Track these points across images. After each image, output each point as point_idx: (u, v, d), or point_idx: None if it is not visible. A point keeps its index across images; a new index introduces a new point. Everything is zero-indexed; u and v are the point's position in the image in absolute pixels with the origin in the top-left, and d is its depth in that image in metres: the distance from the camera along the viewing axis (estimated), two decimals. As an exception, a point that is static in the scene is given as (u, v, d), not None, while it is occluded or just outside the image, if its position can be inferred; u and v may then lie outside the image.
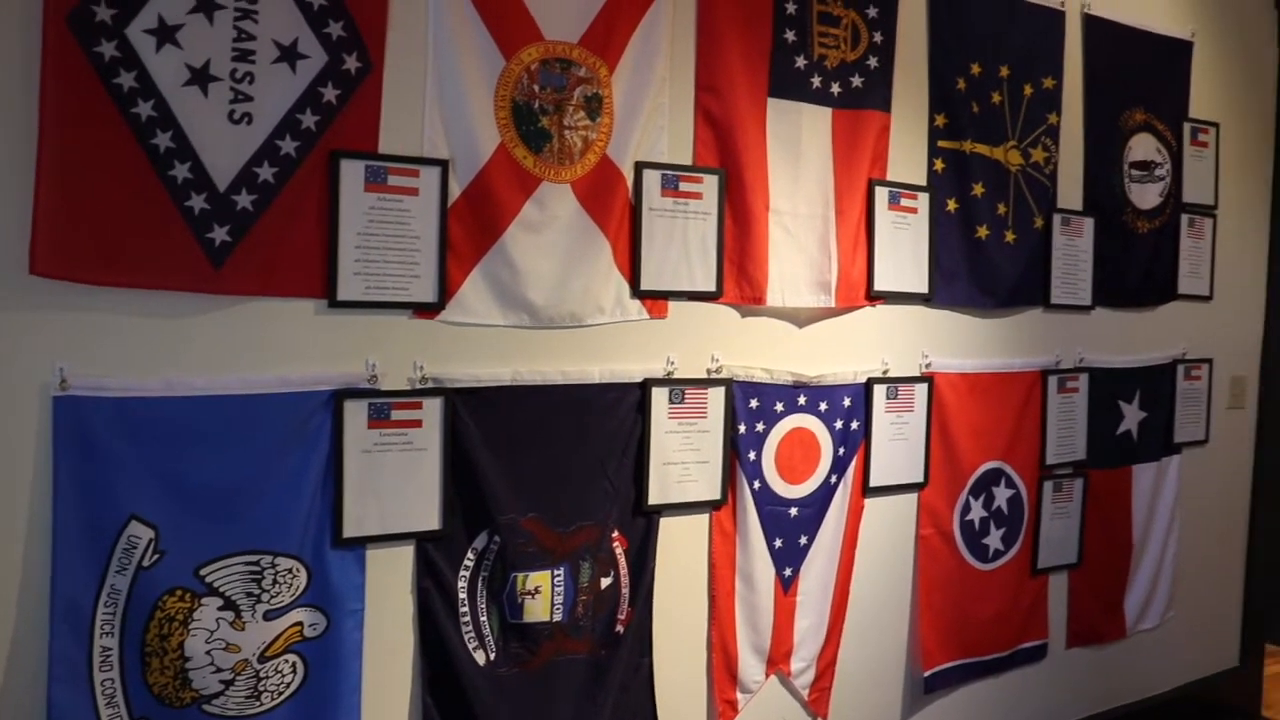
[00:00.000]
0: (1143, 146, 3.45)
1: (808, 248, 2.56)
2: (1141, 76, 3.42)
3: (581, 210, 2.24)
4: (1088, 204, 3.27)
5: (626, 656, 2.36)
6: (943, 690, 3.03)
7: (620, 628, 2.34)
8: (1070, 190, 3.23)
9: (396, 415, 2.06)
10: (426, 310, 2.09)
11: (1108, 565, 3.50)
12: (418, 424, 2.08)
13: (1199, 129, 3.63)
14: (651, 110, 2.34)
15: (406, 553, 2.10)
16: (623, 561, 2.34)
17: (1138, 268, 3.48)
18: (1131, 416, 3.48)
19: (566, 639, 2.26)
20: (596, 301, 2.27)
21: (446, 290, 2.10)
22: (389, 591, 2.08)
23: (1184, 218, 3.63)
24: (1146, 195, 3.48)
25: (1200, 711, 3.88)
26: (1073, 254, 3.23)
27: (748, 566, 2.54)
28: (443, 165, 2.08)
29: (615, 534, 2.33)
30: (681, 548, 2.45)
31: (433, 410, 2.10)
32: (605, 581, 2.31)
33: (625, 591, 2.34)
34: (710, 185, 2.40)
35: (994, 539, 3.08)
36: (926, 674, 2.95)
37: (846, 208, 2.62)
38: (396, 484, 2.06)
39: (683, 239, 2.37)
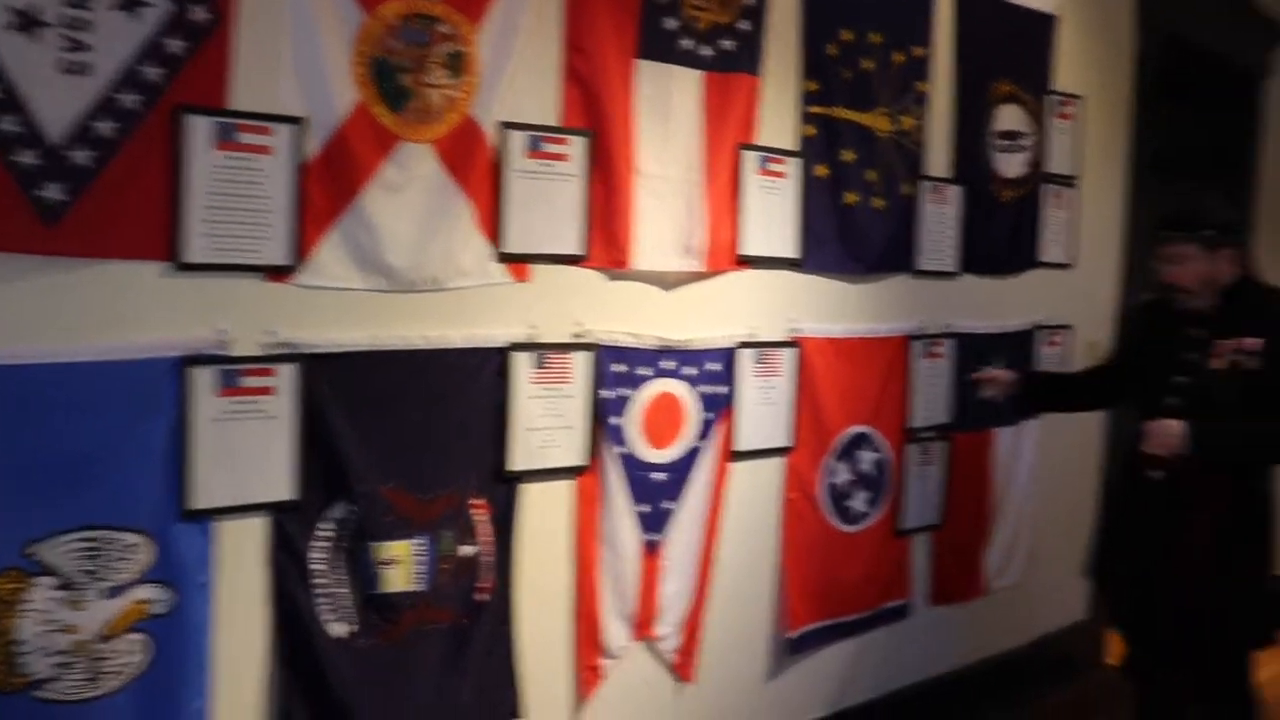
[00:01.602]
0: (1009, 117, 3.65)
1: (675, 211, 2.65)
2: (1009, 48, 3.60)
3: (443, 171, 2.27)
4: (955, 172, 3.45)
5: (489, 624, 2.44)
6: (809, 650, 3.21)
7: (483, 596, 2.42)
8: (938, 158, 3.40)
9: (248, 382, 2.07)
10: (280, 273, 2.10)
11: (969, 526, 3.73)
12: (270, 391, 2.10)
13: (1063, 101, 3.85)
14: (517, 69, 2.38)
15: (259, 524, 2.12)
16: (485, 529, 2.41)
17: (1002, 236, 3.70)
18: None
19: (428, 609, 2.32)
20: (458, 264, 2.31)
21: (301, 252, 2.11)
22: (241, 565, 2.10)
23: (1047, 187, 3.85)
24: (1012, 165, 3.68)
25: (1051, 663, 4.19)
26: (940, 221, 3.41)
27: (612, 532, 2.64)
28: (297, 123, 2.08)
29: (477, 501, 2.39)
30: (545, 514, 2.53)
31: (287, 377, 2.11)
32: (467, 549, 2.38)
33: (488, 559, 2.41)
34: (577, 147, 2.46)
35: (859, 502, 3.26)
36: (792, 635, 3.12)
37: (715, 172, 2.71)
38: (248, 454, 2.08)
39: (547, 201, 2.42)
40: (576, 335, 2.51)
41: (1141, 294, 4.02)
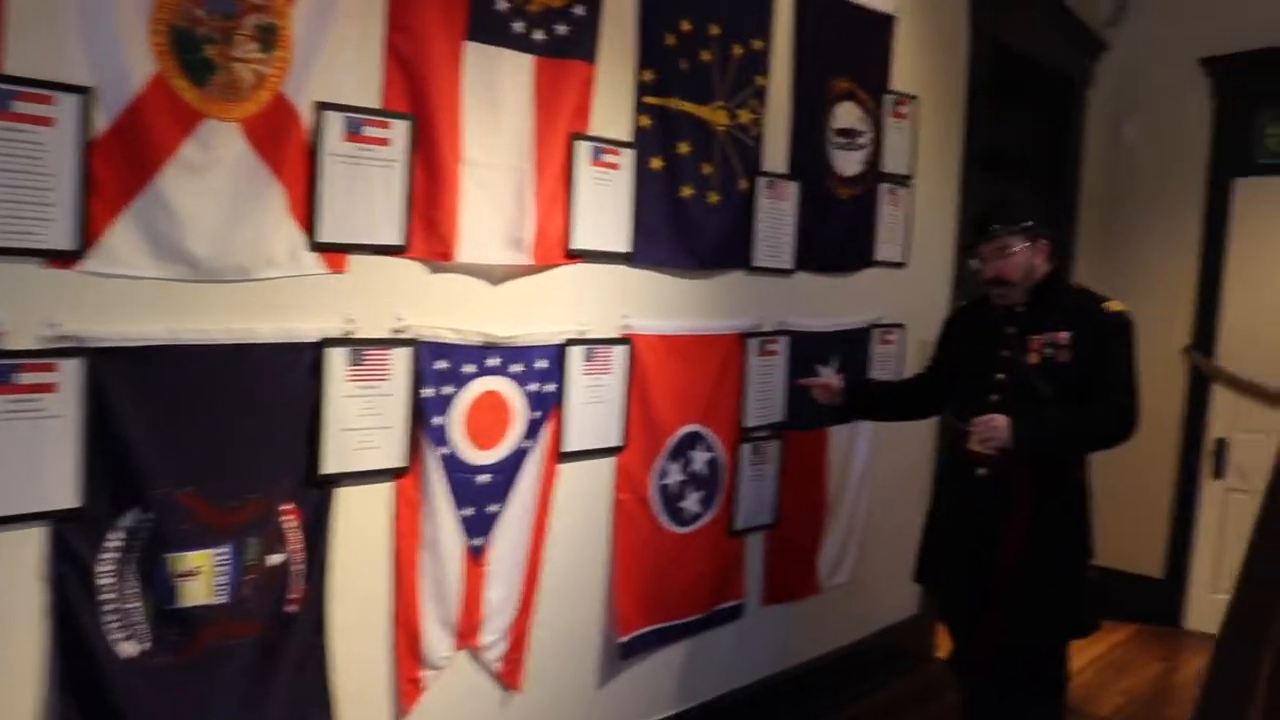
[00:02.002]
0: (846, 114, 3.75)
1: (503, 201, 2.61)
2: (847, 46, 3.71)
3: (252, 152, 2.18)
4: (792, 168, 3.53)
5: (300, 637, 2.36)
6: (641, 655, 3.23)
7: (293, 607, 2.34)
8: (776, 154, 3.47)
9: (24, 379, 1.94)
10: (63, 259, 1.97)
11: (803, 525, 3.83)
12: (51, 388, 1.97)
13: (899, 101, 3.99)
14: (336, 47, 2.30)
15: (37, 535, 1.98)
16: (295, 536, 2.33)
17: (839, 234, 3.80)
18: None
19: (231, 622, 2.23)
20: (267, 253, 2.22)
21: (89, 237, 1.99)
22: (14, 582, 1.96)
23: (883, 186, 3.99)
24: (849, 163, 3.80)
25: (884, 657, 4.36)
26: (776, 217, 3.48)
27: (434, 536, 2.59)
28: (84, 93, 1.96)
29: (287, 506, 2.31)
30: (362, 519, 2.47)
31: (70, 373, 1.98)
32: (275, 558, 2.29)
33: (298, 568, 2.34)
34: (399, 131, 2.40)
35: (691, 502, 3.30)
36: (623, 640, 3.14)
37: (546, 161, 2.69)
38: (24, 458, 1.94)
39: (366, 188, 2.36)
40: (396, 330, 2.45)
41: (958, 302, 4.22)
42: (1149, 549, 5.28)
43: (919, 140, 4.15)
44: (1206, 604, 5.18)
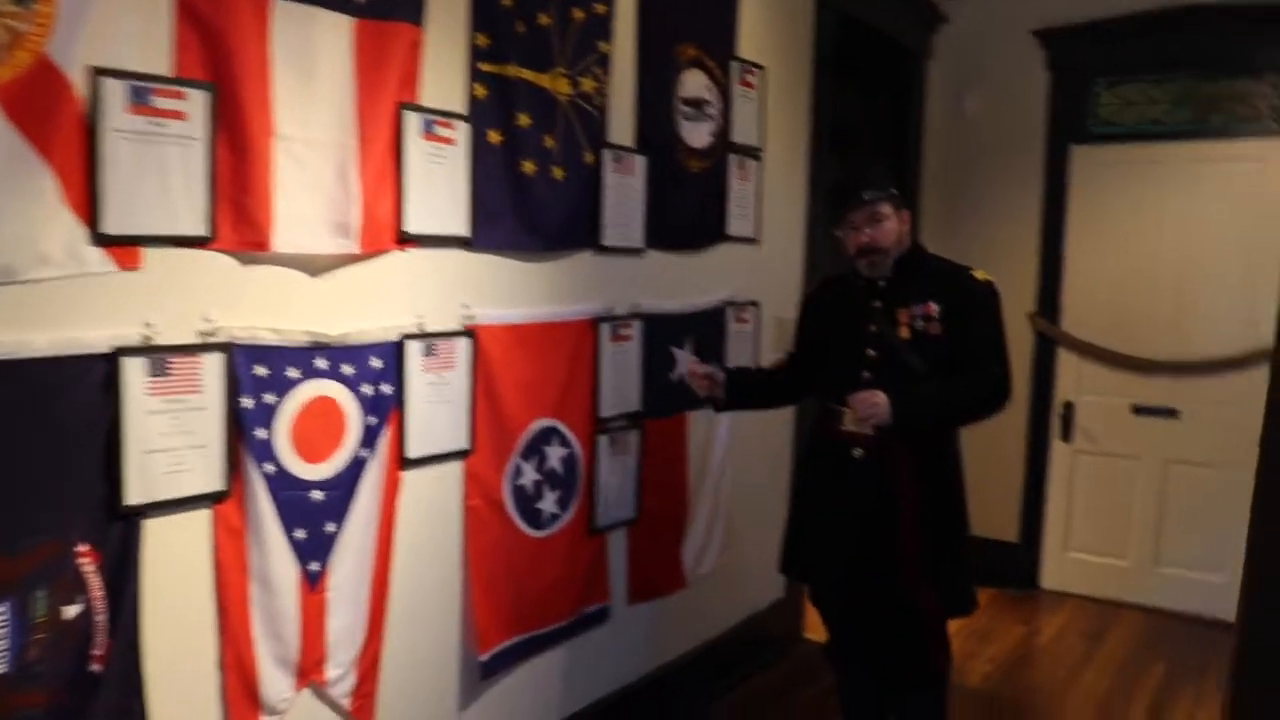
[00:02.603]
0: (694, 83, 3.59)
1: (324, 182, 2.33)
2: (693, 9, 3.54)
3: (10, 127, 1.84)
4: (639, 140, 3.34)
5: (108, 699, 2.04)
6: (503, 671, 3.01)
7: (97, 665, 2.01)
8: (621, 125, 3.28)
9: None
10: None
11: (665, 516, 3.68)
12: None
13: (747, 70, 3.85)
14: (114, 1, 1.97)
15: None
16: (96, 581, 2.00)
17: (690, 209, 3.64)
18: (685, 363, 3.65)
19: (14, 693, 1.89)
20: (39, 250, 1.89)
21: None
22: None
23: (732, 158, 3.85)
24: (698, 134, 3.63)
25: (754, 644, 4.26)
26: (625, 193, 3.29)
27: (264, 566, 2.31)
28: None
29: (83, 548, 1.98)
30: (177, 554, 2.16)
31: None
32: (71, 610, 1.97)
33: (101, 619, 2.02)
34: (197, 102, 2.09)
35: (549, 502, 3.09)
36: (483, 658, 2.91)
37: (371, 136, 2.42)
38: None
39: (160, 170, 2.04)
40: (205, 334, 2.15)
41: (812, 278, 4.13)
42: (1004, 513, 5.37)
43: (767, 112, 4.02)
44: (1059, 563, 5.31)
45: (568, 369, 3.12)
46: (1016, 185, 5.30)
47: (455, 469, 2.80)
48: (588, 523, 3.28)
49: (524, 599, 3.04)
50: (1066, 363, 5.22)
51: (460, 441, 2.78)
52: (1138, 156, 5.03)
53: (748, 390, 3.25)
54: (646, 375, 3.45)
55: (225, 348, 2.18)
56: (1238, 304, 4.81)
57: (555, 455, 3.11)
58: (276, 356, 2.29)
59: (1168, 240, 4.95)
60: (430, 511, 2.75)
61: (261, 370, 2.26)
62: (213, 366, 2.16)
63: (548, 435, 3.07)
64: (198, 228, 2.11)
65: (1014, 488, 5.39)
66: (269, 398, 2.28)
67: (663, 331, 3.53)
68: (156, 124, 2.03)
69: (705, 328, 3.77)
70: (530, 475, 3.02)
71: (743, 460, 4.06)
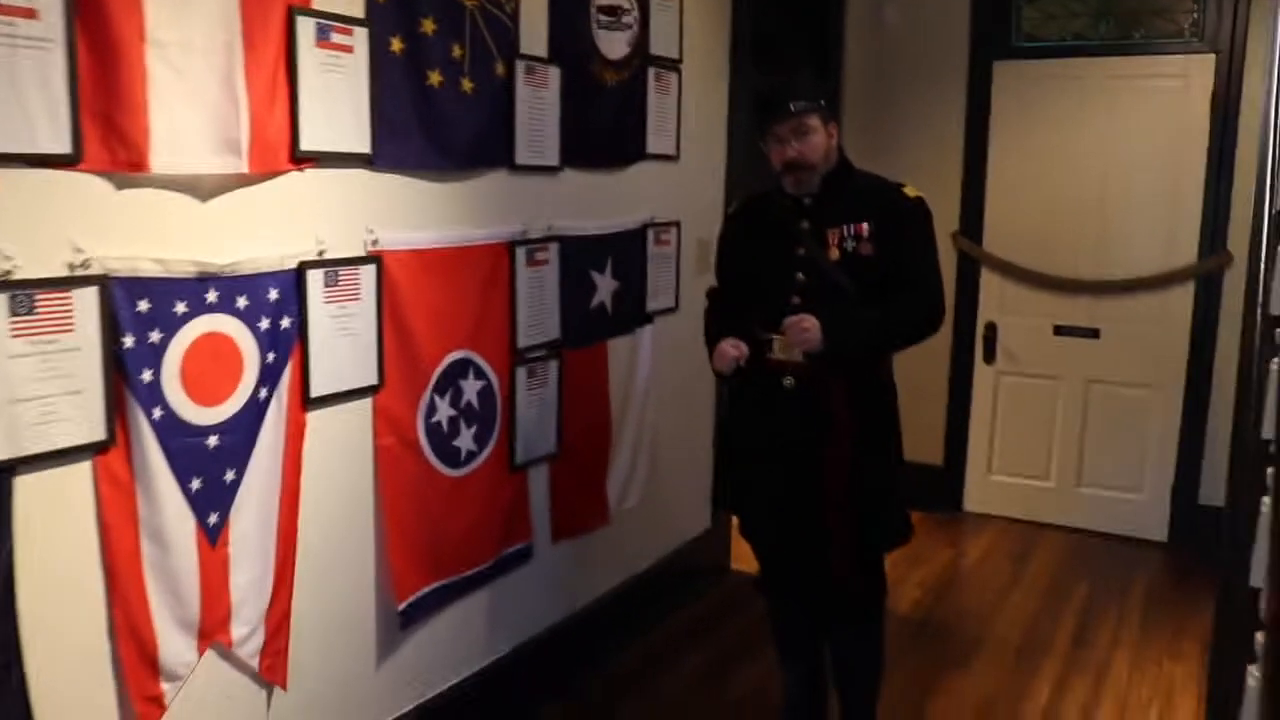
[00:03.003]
0: (608, -13, 3.39)
1: (208, 93, 2.10)
2: (605, -93, 3.33)
3: None
4: (553, 51, 3.15)
5: (-19, 672, 1.86)
6: (423, 619, 2.88)
7: (-35, 634, 1.83)
8: (534, 34, 3.07)
9: None
10: None
11: (588, 449, 3.56)
12: None
13: (663, -28, 3.66)
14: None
15: None
16: (-41, 544, 1.81)
17: (607, 125, 3.47)
18: (604, 287, 3.52)
19: None
20: None
21: None
22: None
23: (651, 71, 3.67)
24: (615, 44, 3.44)
25: (681, 576, 4.19)
26: (539, 108, 3.10)
27: (156, 521, 2.12)
28: None
29: (-57, 507, 1.79)
30: (55, 512, 1.96)
31: None
32: (-68, 577, 1.78)
33: (-33, 585, 1.83)
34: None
35: (466, 439, 2.94)
36: (401, 606, 2.77)
37: (259, 41, 2.19)
38: None
39: (10, 77, 1.80)
40: (76, 266, 1.93)
41: (736, 196, 3.99)
42: (929, 437, 5.36)
43: (686, 21, 3.84)
44: (983, 486, 5.34)
45: (482, 296, 2.95)
46: (938, 102, 5.21)
47: (364, 407, 2.63)
48: (508, 459, 3.14)
49: (442, 542, 2.90)
50: (989, 283, 5.19)
51: (369, 377, 2.60)
52: (1060, 72, 4.96)
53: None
54: (564, 302, 3.30)
55: (100, 281, 1.96)
56: (1159, 224, 4.82)
57: (471, 389, 2.95)
58: (160, 289, 2.08)
59: (1090, 159, 4.91)
60: (339, 453, 2.58)
61: (144, 305, 2.05)
62: (86, 302, 1.95)
63: (463, 368, 2.91)
64: (60, 145, 1.88)
65: (938, 411, 5.38)
66: (154, 336, 2.08)
67: (580, 255, 3.37)
68: (3, 23, 1.79)
69: (625, 250, 3.62)
70: (445, 411, 2.86)
71: (667, 387, 3.95)
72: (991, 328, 5.18)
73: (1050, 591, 4.41)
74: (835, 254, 2.77)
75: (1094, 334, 4.99)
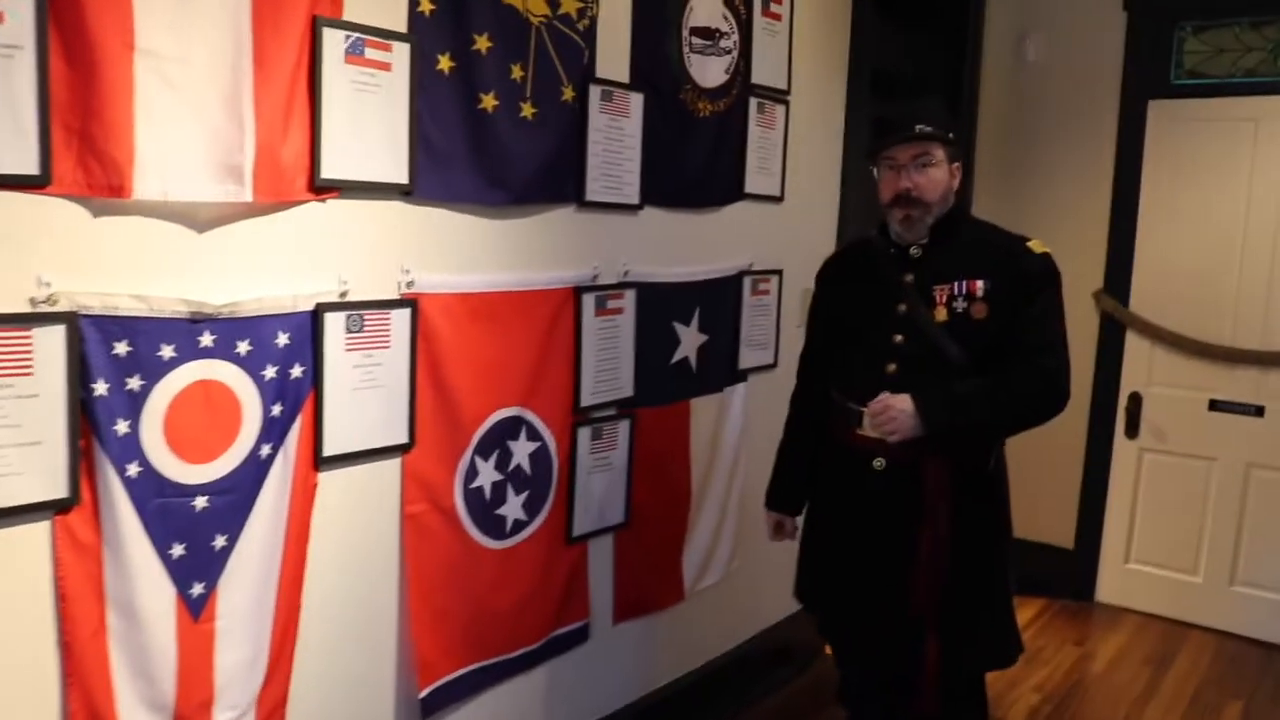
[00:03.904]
0: (706, 9, 3.11)
1: (207, 111, 1.88)
2: (705, -81, 3.05)
3: None
4: (636, 75, 2.87)
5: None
6: (451, 707, 2.59)
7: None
8: (613, 56, 2.80)
9: None
10: None
11: (662, 520, 3.24)
12: None
13: (771, -5, 3.36)
14: None
15: None
16: (-120, 614, 1.60)
17: (699, 160, 3.17)
18: (689, 341, 3.21)
19: None
20: None
21: None
22: None
23: (753, 101, 3.37)
24: (710, 70, 3.15)
25: (764, 662, 3.82)
26: (616, 138, 2.82)
27: (125, 591, 1.89)
28: None
29: None
30: (3, 578, 1.75)
31: None
32: None
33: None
34: (21, 2, 1.65)
35: (513, 507, 2.66)
36: (423, 693, 2.48)
37: (271, 55, 1.96)
38: None
39: (-30, 88, 1.61)
40: (39, 301, 1.72)
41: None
42: (1058, 516, 4.87)
43: (796, 48, 3.52)
44: (1119, 575, 4.81)
45: (539, 348, 2.67)
46: (1085, 144, 4.74)
47: (391, 468, 2.36)
48: (564, 529, 2.84)
49: (481, 621, 2.62)
50: (1135, 349, 4.67)
51: (397, 435, 2.34)
52: (1228, 113, 4.45)
53: (806, 476, 2.79)
54: (640, 355, 3.00)
55: (68, 318, 1.75)
56: (1339, 287, 4.26)
57: (522, 451, 2.67)
58: (143, 330, 1.86)
59: (1259, 211, 4.37)
60: (358, 519, 2.32)
61: (122, 348, 1.83)
62: (50, 342, 1.73)
63: (513, 427, 2.63)
64: (26, 165, 1.67)
65: (1070, 487, 4.87)
66: (133, 382, 1.85)
67: (661, 303, 3.07)
68: (-34, 27, 1.60)
69: (715, 300, 3.31)
70: (489, 475, 2.58)
71: (760, 452, 3.59)
72: (1136, 398, 4.67)
73: (1196, 708, 3.87)
74: (942, 314, 2.42)
75: (1258, 411, 4.43)
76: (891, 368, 2.41)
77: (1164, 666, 4.21)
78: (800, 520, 2.77)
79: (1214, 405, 4.53)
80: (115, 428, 1.84)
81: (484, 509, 2.58)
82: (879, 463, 2.40)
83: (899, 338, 2.44)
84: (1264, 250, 4.37)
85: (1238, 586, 4.53)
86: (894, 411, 2.28)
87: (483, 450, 2.55)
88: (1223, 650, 4.39)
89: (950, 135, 2.44)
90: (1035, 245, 2.46)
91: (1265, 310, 4.38)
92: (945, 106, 2.51)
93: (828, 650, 3.91)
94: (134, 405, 1.86)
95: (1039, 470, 4.67)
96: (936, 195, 2.43)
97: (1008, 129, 4.93)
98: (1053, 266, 2.44)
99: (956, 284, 2.42)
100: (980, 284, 2.40)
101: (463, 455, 2.50)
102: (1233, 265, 4.43)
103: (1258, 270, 4.38)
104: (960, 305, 2.41)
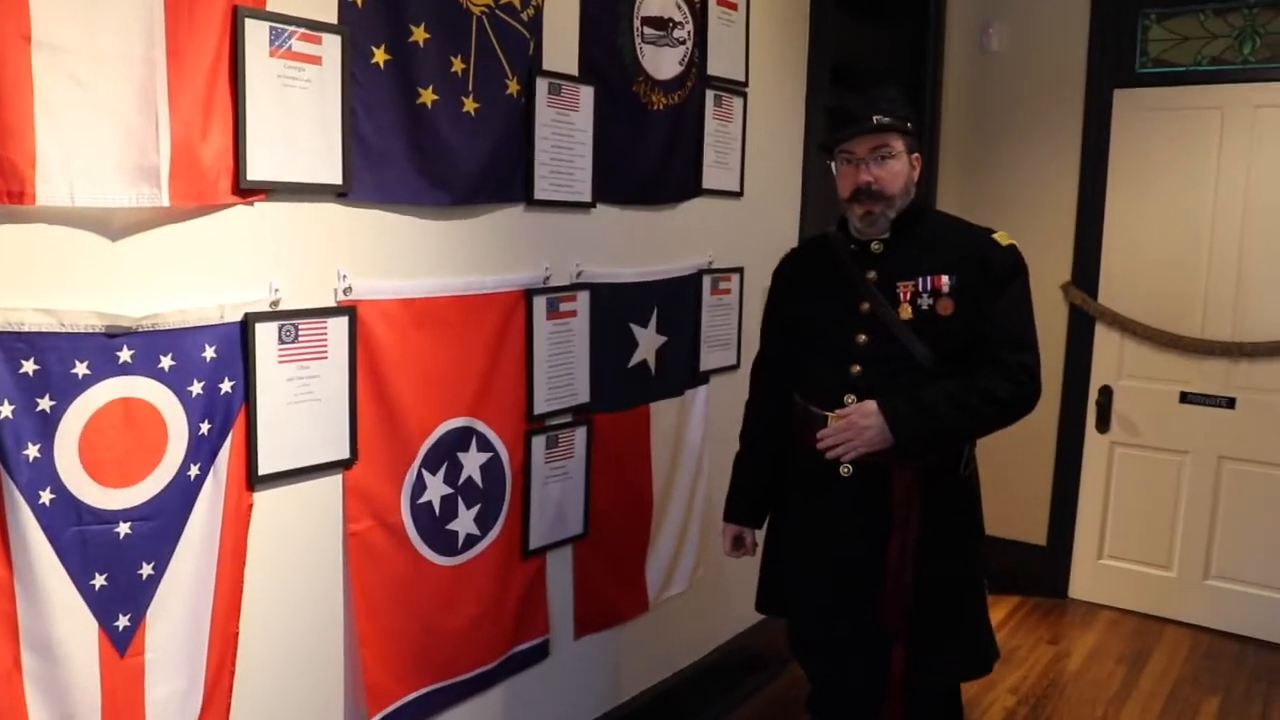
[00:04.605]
0: (658, -1, 3.01)
1: (117, 108, 1.76)
2: (653, -97, 2.95)
3: None
4: (585, 67, 2.77)
5: None
6: (402, 731, 2.49)
7: None
8: (561, 47, 2.70)
9: None
10: None
11: (624, 529, 3.15)
12: None
13: (724, -17, 3.27)
14: None
15: None
16: None
17: (653, 155, 3.08)
18: (647, 343, 3.11)
19: None
20: None
21: None
22: None
23: (709, 94, 3.27)
24: (663, 62, 3.06)
25: (733, 670, 3.73)
26: (566, 133, 2.72)
27: (41, 627, 1.76)
28: None
29: None
30: (-100, 617, 1.63)
31: None
32: None
33: None
34: (-89, -7, 1.53)
35: (465, 521, 2.55)
36: (374, 719, 2.38)
37: (187, 48, 1.84)
38: None
39: None
40: (-67, 317, 1.60)
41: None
42: (1030, 513, 4.82)
43: (753, 38, 3.43)
44: (1093, 571, 4.77)
45: (489, 354, 2.56)
46: (1050, 135, 4.68)
47: (332, 485, 2.25)
48: (519, 543, 2.74)
49: (433, 641, 2.51)
50: (1105, 341, 4.62)
51: (337, 450, 2.23)
52: (1193, 101, 4.39)
53: (769, 488, 2.69)
54: (596, 359, 2.90)
55: (-34, 336, 1.63)
56: (1309, 276, 4.22)
57: (473, 463, 2.56)
58: (53, 347, 1.73)
59: (1227, 201, 4.33)
60: (298, 540, 2.20)
61: (29, 366, 1.71)
62: (-54, 363, 1.61)
63: (462, 438, 2.52)
64: (-85, 170, 1.55)
65: (1041, 483, 4.81)
66: (43, 403, 1.73)
67: (617, 305, 2.98)
68: None
69: (673, 300, 3.21)
70: (438, 489, 2.47)
71: (724, 455, 3.50)
72: (1106, 392, 4.62)
73: (1173, 704, 3.82)
74: (907, 312, 2.33)
75: (1229, 403, 4.39)
76: (856, 369, 2.33)
77: (1140, 663, 4.16)
78: (760, 534, 2.68)
79: (1185, 398, 4.48)
80: (25, 453, 1.72)
81: (433, 524, 2.47)
82: (846, 469, 2.31)
83: (863, 338, 2.35)
84: (1232, 239, 4.32)
85: (1212, 580, 4.49)
86: (859, 419, 2.19)
87: (430, 463, 2.44)
88: (1198, 645, 4.34)
89: (909, 125, 2.36)
90: (1001, 237, 2.39)
91: (1235, 301, 4.33)
92: (902, 94, 2.43)
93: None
94: (45, 428, 1.74)
95: (1010, 466, 4.61)
96: (898, 188, 2.35)
97: (971, 120, 4.87)
98: (1020, 259, 2.37)
99: (921, 280, 2.34)
100: (946, 279, 2.32)
101: (409, 469, 2.39)
102: (1201, 255, 4.39)
103: (1227, 260, 4.34)
104: (926, 302, 2.33)
